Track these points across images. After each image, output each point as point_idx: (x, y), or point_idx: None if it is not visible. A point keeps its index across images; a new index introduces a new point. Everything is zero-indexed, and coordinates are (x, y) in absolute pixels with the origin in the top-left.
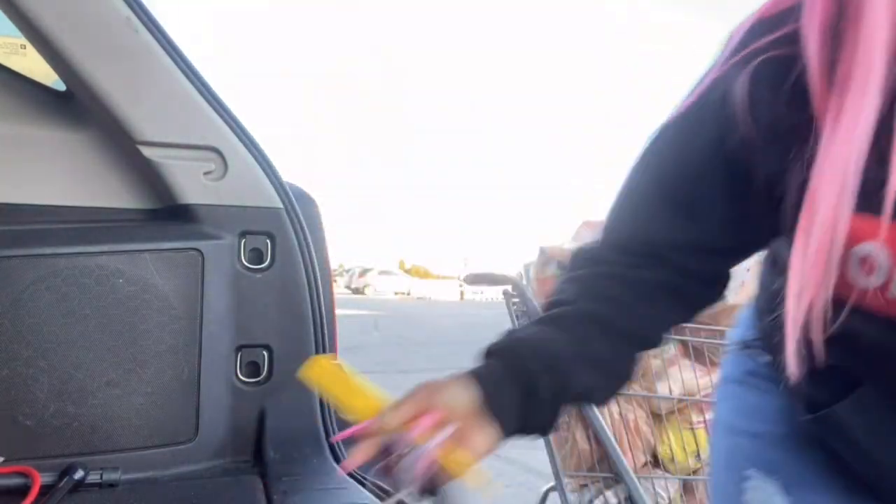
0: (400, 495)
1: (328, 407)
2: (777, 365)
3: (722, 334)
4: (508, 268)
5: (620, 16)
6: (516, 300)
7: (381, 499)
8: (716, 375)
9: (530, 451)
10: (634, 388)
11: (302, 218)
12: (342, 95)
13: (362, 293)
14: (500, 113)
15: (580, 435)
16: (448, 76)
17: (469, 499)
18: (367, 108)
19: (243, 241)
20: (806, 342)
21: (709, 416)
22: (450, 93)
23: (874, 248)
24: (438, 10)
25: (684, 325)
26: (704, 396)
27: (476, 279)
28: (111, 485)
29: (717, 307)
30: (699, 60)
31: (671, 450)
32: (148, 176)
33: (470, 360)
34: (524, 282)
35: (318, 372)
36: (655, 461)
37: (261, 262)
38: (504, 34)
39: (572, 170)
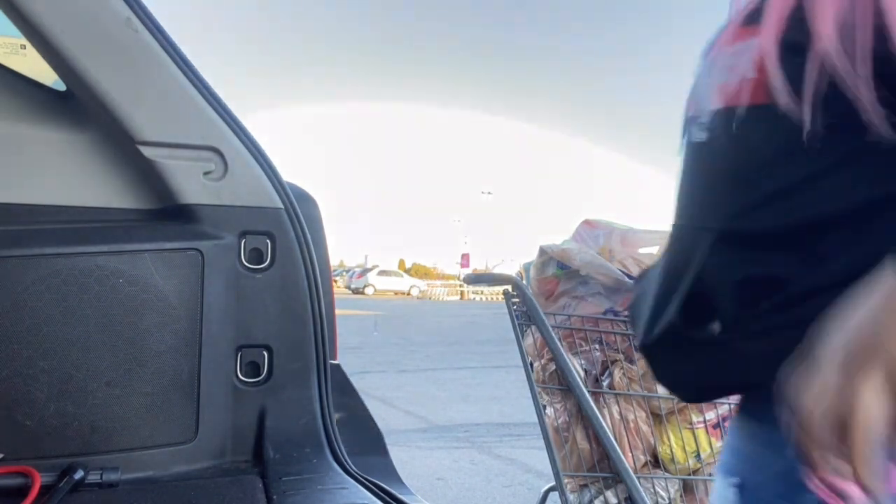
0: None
1: (328, 407)
2: None
3: None
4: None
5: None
6: (516, 300)
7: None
8: None
9: (530, 451)
10: (634, 388)
11: (302, 218)
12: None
13: (362, 293)
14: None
15: (580, 435)
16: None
17: None
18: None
19: (243, 241)
20: None
21: (709, 416)
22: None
23: None
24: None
25: None
26: None
27: (476, 279)
28: (111, 485)
29: None
30: None
31: (671, 450)
32: (148, 176)
33: (470, 360)
34: (524, 282)
35: None
36: (655, 461)
37: (261, 262)
38: (504, 33)
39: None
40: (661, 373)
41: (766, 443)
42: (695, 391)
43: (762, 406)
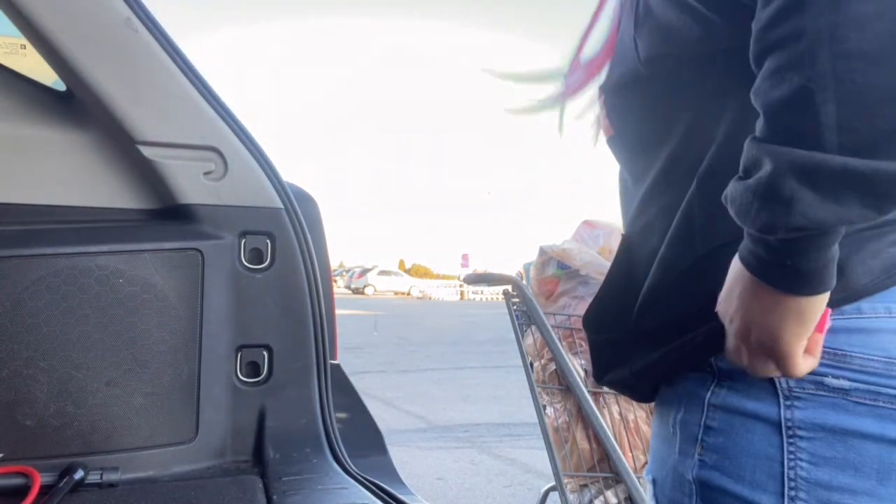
0: None
1: (328, 407)
2: None
3: None
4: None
5: None
6: (516, 300)
7: (382, 499)
8: None
9: (530, 451)
10: None
11: (302, 218)
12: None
13: (362, 293)
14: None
15: (580, 435)
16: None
17: None
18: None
19: (243, 241)
20: None
21: None
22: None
23: None
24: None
25: None
26: None
27: (476, 279)
28: (111, 485)
29: None
30: None
31: None
32: (148, 176)
33: (470, 360)
34: (524, 282)
35: None
36: None
37: (261, 262)
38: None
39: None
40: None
41: (665, 440)
42: (606, 384)
43: (663, 406)
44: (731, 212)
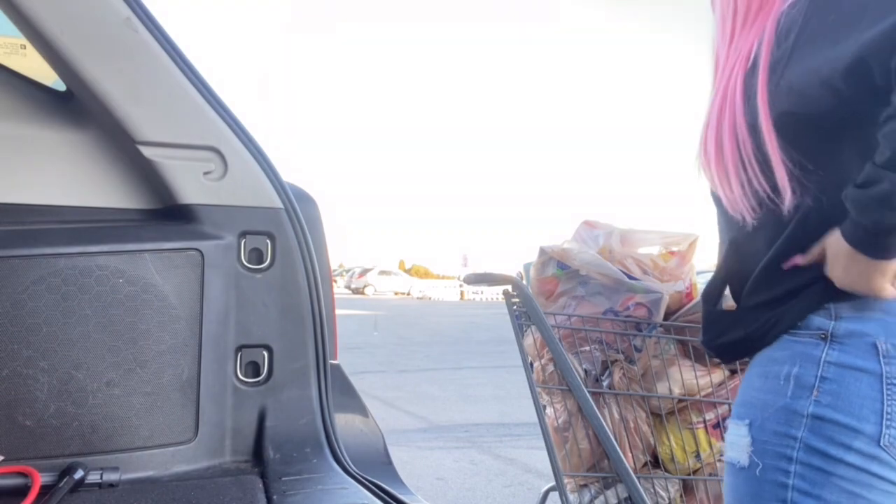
0: None
1: (328, 407)
2: None
3: None
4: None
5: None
6: (516, 300)
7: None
8: (716, 376)
9: (530, 451)
10: (634, 388)
11: (302, 218)
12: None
13: (362, 293)
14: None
15: (580, 435)
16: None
17: None
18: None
19: (243, 241)
20: None
21: (708, 416)
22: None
23: None
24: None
25: (684, 325)
26: (704, 396)
27: (476, 279)
28: (111, 485)
29: None
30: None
31: (671, 450)
32: (148, 176)
33: (470, 360)
34: (524, 282)
35: None
36: (655, 461)
37: (261, 262)
38: (504, 37)
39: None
40: (704, 335)
41: (770, 390)
42: (715, 347)
43: (768, 366)
44: (850, 207)
